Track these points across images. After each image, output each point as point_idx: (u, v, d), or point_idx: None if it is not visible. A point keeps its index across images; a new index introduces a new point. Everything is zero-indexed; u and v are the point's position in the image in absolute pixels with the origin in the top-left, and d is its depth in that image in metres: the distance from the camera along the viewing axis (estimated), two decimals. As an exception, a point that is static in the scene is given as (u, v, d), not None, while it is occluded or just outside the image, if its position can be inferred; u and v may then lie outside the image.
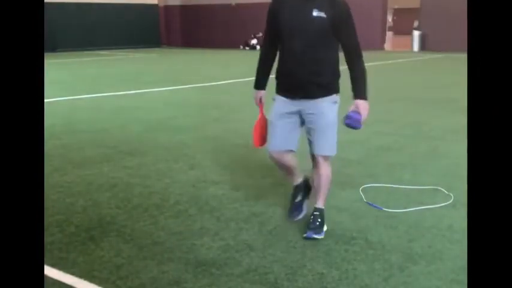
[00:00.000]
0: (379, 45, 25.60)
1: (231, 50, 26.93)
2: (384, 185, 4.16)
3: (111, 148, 5.49)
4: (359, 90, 3.01)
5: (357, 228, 3.28)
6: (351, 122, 2.96)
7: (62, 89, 10.67)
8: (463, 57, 18.36)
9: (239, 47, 28.34)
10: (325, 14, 2.91)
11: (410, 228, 3.28)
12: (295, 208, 3.42)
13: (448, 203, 3.73)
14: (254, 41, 27.09)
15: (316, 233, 3.13)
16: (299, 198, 3.44)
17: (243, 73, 13.19)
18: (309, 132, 3.16)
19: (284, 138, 3.16)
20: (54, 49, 24.64)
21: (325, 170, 3.20)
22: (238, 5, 29.48)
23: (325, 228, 3.21)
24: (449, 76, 13.25)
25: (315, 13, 2.91)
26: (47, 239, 3.14)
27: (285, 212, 3.55)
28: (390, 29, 41.96)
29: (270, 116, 3.21)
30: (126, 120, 7.22)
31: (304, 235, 3.13)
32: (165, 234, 3.22)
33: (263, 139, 3.37)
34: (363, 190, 4.00)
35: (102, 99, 9.31)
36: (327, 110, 3.08)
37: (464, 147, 5.09)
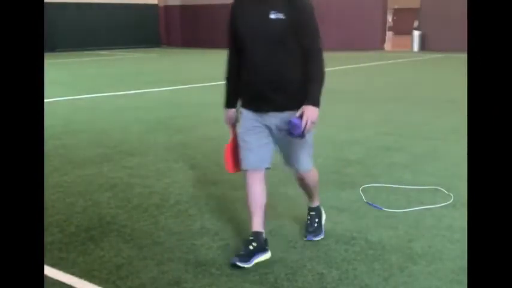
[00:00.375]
0: (379, 45, 25.59)
1: (231, 50, 26.91)
2: (384, 185, 4.16)
3: (111, 148, 5.49)
4: (310, 95, 2.59)
5: (357, 228, 3.28)
6: (289, 128, 2.58)
7: (62, 89, 10.68)
8: (463, 57, 18.36)
9: (239, 47, 28.34)
10: (284, 15, 2.57)
11: (410, 228, 3.28)
12: (244, 255, 2.75)
13: (448, 203, 3.73)
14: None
15: (316, 235, 3.11)
16: (252, 246, 2.79)
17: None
18: (281, 149, 2.87)
19: (258, 154, 2.81)
20: (53, 49, 24.64)
21: (311, 179, 3.00)
22: (238, 5, 29.47)
23: (323, 221, 3.19)
24: (449, 76, 13.26)
25: (272, 15, 2.57)
26: (47, 239, 3.14)
27: (285, 212, 3.55)
28: (390, 29, 42.04)
29: (239, 132, 2.86)
30: (126, 120, 7.22)
31: (305, 239, 3.11)
32: (165, 234, 3.22)
33: (238, 164, 2.94)
34: (363, 190, 4.01)
35: (102, 99, 9.31)
36: None
37: (464, 147, 5.10)
